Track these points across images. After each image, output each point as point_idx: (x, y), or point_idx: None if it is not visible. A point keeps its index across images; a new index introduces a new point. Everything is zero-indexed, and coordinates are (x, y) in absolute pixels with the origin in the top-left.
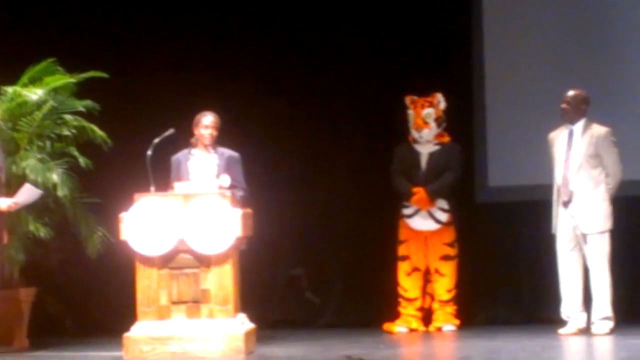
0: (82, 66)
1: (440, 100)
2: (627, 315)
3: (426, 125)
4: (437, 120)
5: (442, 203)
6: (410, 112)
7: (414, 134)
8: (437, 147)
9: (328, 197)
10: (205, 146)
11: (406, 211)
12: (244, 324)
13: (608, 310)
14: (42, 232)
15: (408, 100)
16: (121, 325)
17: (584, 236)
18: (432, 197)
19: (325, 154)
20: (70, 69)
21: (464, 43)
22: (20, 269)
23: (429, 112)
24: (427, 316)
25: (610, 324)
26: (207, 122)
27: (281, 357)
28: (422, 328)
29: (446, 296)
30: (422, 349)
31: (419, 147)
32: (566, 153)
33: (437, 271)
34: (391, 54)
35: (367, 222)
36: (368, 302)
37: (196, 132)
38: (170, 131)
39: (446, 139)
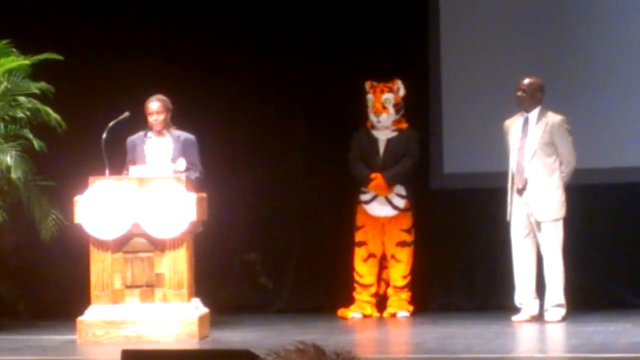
0: (36, 48)
1: (400, 87)
2: (580, 302)
3: (385, 110)
4: (396, 106)
5: (400, 189)
6: (370, 96)
7: (373, 118)
8: (395, 134)
9: (284, 182)
10: (157, 131)
11: (364, 197)
12: (198, 308)
13: (561, 298)
14: None
15: (368, 85)
16: (75, 309)
17: (538, 224)
18: (390, 183)
19: (281, 138)
20: (25, 51)
21: (420, 30)
22: None
23: (388, 97)
24: (381, 302)
25: (563, 312)
26: (152, 108)
27: (235, 342)
28: (376, 314)
29: (401, 282)
30: (376, 335)
31: (377, 133)
32: (521, 140)
33: (393, 257)
34: (347, 40)
35: (323, 207)
36: (322, 288)
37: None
38: (126, 114)
39: (404, 125)
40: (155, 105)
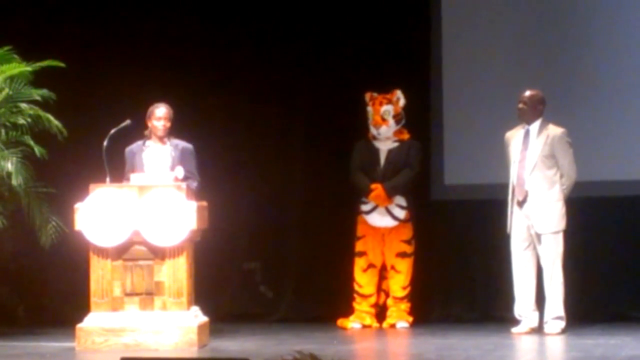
0: (38, 55)
1: (400, 97)
2: (579, 315)
3: (384, 122)
4: (396, 117)
5: (400, 200)
6: (369, 108)
7: (373, 130)
8: (396, 144)
9: (285, 191)
10: (160, 138)
11: (364, 207)
12: (197, 317)
13: (560, 310)
14: None
15: (367, 96)
16: (74, 316)
17: (538, 236)
18: (390, 193)
19: (282, 148)
20: (27, 58)
21: (422, 41)
22: None
23: (387, 109)
24: (381, 313)
25: (562, 324)
26: (160, 114)
27: (234, 351)
28: (375, 324)
29: (401, 293)
30: (375, 346)
31: (378, 144)
32: (522, 153)
33: (393, 268)
34: (349, 50)
35: (324, 217)
36: (322, 298)
37: (149, 124)
38: (127, 122)
39: (405, 136)
40: (163, 111)
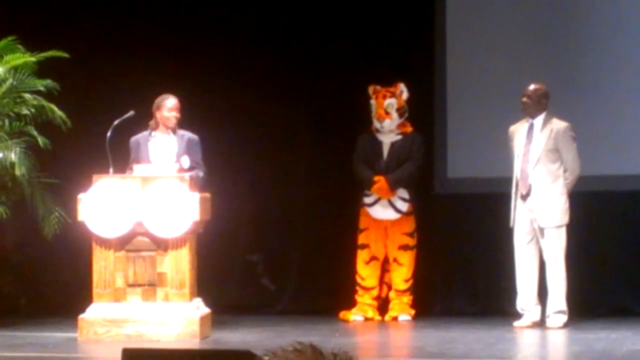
0: (42, 45)
1: (403, 90)
2: (581, 309)
3: (388, 116)
4: (399, 110)
5: (403, 193)
6: (373, 102)
7: (376, 123)
8: (399, 137)
9: (288, 184)
10: (170, 129)
11: (367, 200)
12: (199, 308)
13: (563, 304)
14: None
15: (371, 89)
16: (76, 307)
17: (542, 230)
18: (393, 186)
19: (286, 140)
20: (31, 48)
21: (426, 34)
22: None
23: (390, 102)
24: (383, 305)
25: (565, 318)
26: (171, 105)
27: (236, 343)
28: (378, 317)
29: (403, 286)
30: (377, 338)
31: (381, 137)
32: (525, 147)
33: (395, 260)
34: (353, 43)
35: (326, 210)
36: (324, 290)
37: (158, 114)
38: (130, 113)
39: (409, 129)
40: (173, 102)
